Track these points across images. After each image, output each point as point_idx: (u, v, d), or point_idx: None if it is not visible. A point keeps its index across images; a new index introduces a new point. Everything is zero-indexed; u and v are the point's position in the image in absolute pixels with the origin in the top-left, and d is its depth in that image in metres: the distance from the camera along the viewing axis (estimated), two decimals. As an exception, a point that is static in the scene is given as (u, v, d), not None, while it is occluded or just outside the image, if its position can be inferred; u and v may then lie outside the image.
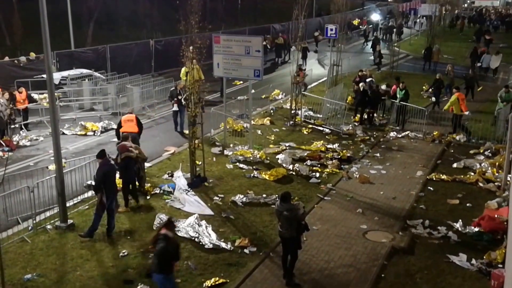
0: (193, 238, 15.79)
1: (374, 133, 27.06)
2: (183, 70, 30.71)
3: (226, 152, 23.30)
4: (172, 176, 20.33)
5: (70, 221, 16.55)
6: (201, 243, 15.58)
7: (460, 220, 17.35)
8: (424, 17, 68.22)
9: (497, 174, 21.18)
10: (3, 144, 23.61)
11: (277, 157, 22.80)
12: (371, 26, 68.07)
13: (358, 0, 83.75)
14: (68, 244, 15.55)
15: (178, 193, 18.74)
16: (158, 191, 19.18)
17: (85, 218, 17.07)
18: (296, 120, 28.46)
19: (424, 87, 36.23)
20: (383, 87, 31.02)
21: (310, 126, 27.97)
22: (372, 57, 49.12)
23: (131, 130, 20.75)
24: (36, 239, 15.74)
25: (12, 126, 25.34)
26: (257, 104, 31.53)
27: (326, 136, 26.40)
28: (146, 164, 20.66)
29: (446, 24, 72.97)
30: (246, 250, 15.42)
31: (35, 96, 29.11)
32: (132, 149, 17.93)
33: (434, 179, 21.15)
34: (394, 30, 62.54)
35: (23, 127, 26.18)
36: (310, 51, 49.17)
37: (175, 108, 26.05)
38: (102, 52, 39.15)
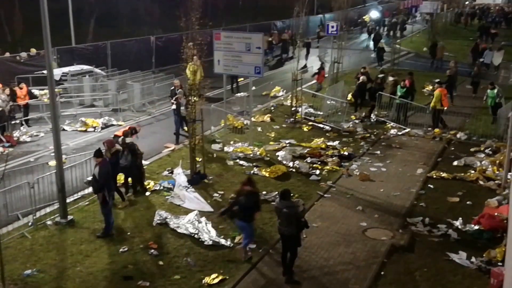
0: (192, 235, 15.79)
1: (375, 130, 27.04)
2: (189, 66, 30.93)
3: (226, 149, 23.30)
4: (172, 172, 20.34)
5: (70, 217, 16.57)
6: (200, 240, 15.59)
7: (460, 218, 17.35)
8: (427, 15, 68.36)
9: (497, 172, 21.17)
10: (4, 139, 23.63)
11: (277, 154, 22.81)
12: (372, 22, 68.08)
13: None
14: (68, 240, 15.57)
15: (178, 189, 18.75)
16: (158, 188, 19.18)
17: (85, 214, 17.09)
18: (297, 117, 28.44)
19: (425, 85, 36.15)
20: (380, 75, 31.70)
21: (311, 123, 27.96)
22: (373, 55, 49.20)
23: None
24: (36, 234, 15.76)
25: (13, 122, 25.35)
26: (258, 101, 31.52)
27: (327, 134, 26.38)
28: (146, 161, 20.72)
29: (451, 21, 73.36)
30: (246, 247, 15.44)
31: (35, 92, 29.12)
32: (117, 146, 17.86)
33: (434, 177, 21.14)
34: (398, 26, 62.79)
35: (23, 123, 26.19)
36: (311, 47, 49.28)
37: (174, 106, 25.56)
38: (103, 49, 39.16)
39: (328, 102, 30.02)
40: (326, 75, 35.30)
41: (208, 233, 15.89)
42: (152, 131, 26.30)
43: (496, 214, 17.12)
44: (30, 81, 30.62)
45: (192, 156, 20.12)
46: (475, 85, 35.06)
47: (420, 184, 20.45)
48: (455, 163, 22.61)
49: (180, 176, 19.67)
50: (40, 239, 15.54)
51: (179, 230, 16.06)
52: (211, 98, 30.73)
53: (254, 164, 21.73)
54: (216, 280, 13.75)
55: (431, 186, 20.34)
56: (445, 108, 27.16)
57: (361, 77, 30.41)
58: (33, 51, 35.16)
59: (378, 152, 23.84)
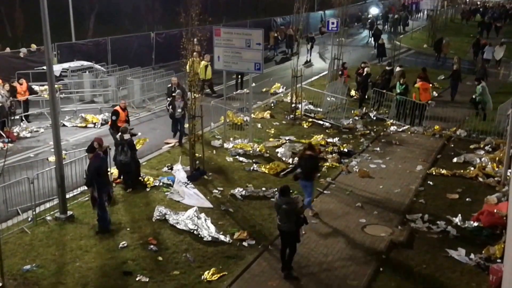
0: (192, 231, 15.81)
1: (375, 127, 27.03)
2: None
3: (226, 145, 23.30)
4: (171, 169, 20.35)
5: (69, 213, 16.59)
6: (200, 236, 15.61)
7: (460, 215, 17.34)
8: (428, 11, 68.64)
9: (497, 169, 21.17)
10: (4, 135, 23.65)
11: (276, 150, 22.82)
12: (371, 16, 68.28)
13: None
14: (68, 236, 15.59)
15: (177, 185, 18.77)
16: (157, 184, 19.19)
17: (84, 209, 17.11)
18: (296, 114, 28.43)
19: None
20: (387, 68, 32.42)
21: (310, 120, 27.96)
22: (373, 51, 49.26)
23: None
24: (36, 230, 15.79)
25: (13, 118, 25.36)
26: (258, 97, 31.51)
27: (326, 130, 26.39)
28: (146, 157, 20.81)
29: (452, 18, 73.54)
30: (244, 243, 15.45)
31: (35, 87, 29.15)
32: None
33: (434, 173, 21.14)
34: (400, 22, 63.05)
35: (23, 118, 26.21)
36: (315, 41, 49.52)
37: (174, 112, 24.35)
38: (103, 45, 39.16)
39: (328, 98, 30.01)
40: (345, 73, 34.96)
41: (208, 229, 15.91)
42: (151, 127, 26.33)
43: (495, 211, 17.13)
44: (30, 77, 30.63)
45: (191, 153, 20.13)
46: (479, 82, 35.05)
47: (419, 180, 20.45)
48: (455, 160, 22.62)
49: (180, 172, 19.70)
50: (39, 234, 15.56)
51: (178, 226, 16.08)
52: (210, 94, 30.94)
53: (253, 160, 21.74)
54: (215, 276, 13.77)
55: (431, 182, 20.34)
56: (424, 102, 27.16)
57: (366, 69, 30.56)
58: (34, 46, 35.17)
59: (378, 149, 23.85)
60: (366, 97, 30.83)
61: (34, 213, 16.30)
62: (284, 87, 34.12)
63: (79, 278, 13.55)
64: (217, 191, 18.92)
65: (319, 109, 29.75)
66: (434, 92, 32.79)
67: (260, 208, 17.68)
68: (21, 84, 26.73)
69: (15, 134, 24.33)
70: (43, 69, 27.69)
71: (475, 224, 16.84)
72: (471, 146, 24.28)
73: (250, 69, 23.23)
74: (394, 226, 16.78)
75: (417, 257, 15.07)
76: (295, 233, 13.73)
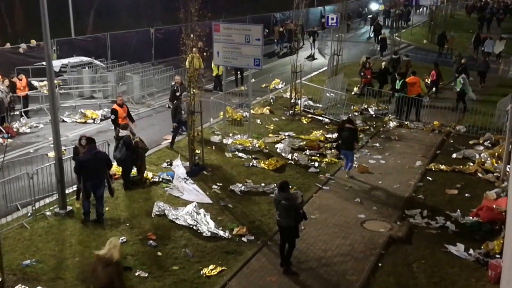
0: (191, 226, 15.84)
1: (374, 123, 27.05)
2: (190, 57, 30.87)
3: (225, 141, 23.29)
4: (171, 164, 20.35)
5: (69, 208, 16.59)
6: (199, 231, 15.63)
7: (459, 210, 17.39)
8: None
9: (496, 164, 21.21)
10: (3, 130, 23.65)
11: (276, 146, 22.83)
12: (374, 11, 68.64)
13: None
14: (67, 231, 15.61)
15: (177, 181, 18.78)
16: (157, 179, 19.19)
17: (84, 205, 17.12)
18: (296, 109, 28.43)
19: (425, 77, 36.21)
20: (394, 56, 34.09)
21: (310, 115, 27.97)
22: (372, 47, 49.33)
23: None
24: (35, 225, 15.79)
25: (12, 113, 25.36)
26: (257, 93, 31.50)
27: (326, 126, 26.39)
28: (146, 153, 20.79)
29: (453, 13, 73.73)
30: (244, 239, 15.48)
31: (35, 83, 29.12)
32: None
33: (433, 169, 21.18)
34: (403, 17, 63.42)
35: (23, 114, 26.21)
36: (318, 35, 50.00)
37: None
38: (102, 40, 39.12)
39: (328, 94, 30.01)
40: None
41: (207, 225, 15.94)
42: (151, 123, 26.33)
43: (494, 206, 17.13)
44: (29, 73, 30.63)
45: (191, 148, 20.14)
46: (482, 75, 35.39)
47: (418, 176, 20.48)
48: (454, 155, 22.65)
49: (179, 168, 19.71)
50: (39, 229, 15.57)
51: (177, 222, 16.10)
52: (210, 89, 30.91)
53: (253, 156, 21.74)
54: (214, 271, 13.81)
55: (430, 178, 20.37)
56: (414, 96, 27.29)
57: (383, 63, 32.11)
58: (33, 42, 35.15)
59: (377, 144, 23.87)
60: (363, 92, 30.84)
61: (33, 208, 16.29)
62: (284, 83, 34.12)
63: (78, 273, 13.57)
64: (216, 186, 18.93)
65: (318, 104, 29.75)
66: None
67: (259, 203, 17.71)
68: (20, 80, 26.73)
69: (15, 129, 24.32)
70: (42, 64, 27.64)
71: (474, 219, 16.88)
72: (471, 142, 24.32)
73: (249, 64, 23.21)
74: (393, 221, 16.82)
75: (416, 252, 15.10)
76: (294, 229, 13.76)
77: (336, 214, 17.18)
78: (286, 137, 24.19)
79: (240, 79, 33.23)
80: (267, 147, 22.68)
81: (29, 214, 16.32)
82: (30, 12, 45.84)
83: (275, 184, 17.83)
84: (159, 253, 14.60)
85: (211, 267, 13.94)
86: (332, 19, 37.50)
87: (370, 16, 64.77)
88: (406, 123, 26.88)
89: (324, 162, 21.47)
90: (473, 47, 47.50)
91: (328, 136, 24.39)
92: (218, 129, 24.95)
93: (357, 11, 73.18)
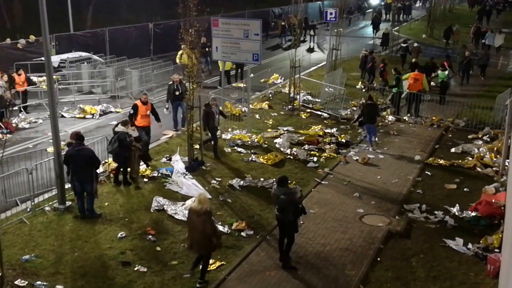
0: (190, 221, 15.85)
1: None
2: (179, 53, 30.94)
3: (224, 136, 23.29)
4: (170, 159, 20.37)
5: (68, 203, 16.60)
6: (198, 226, 15.64)
7: (457, 205, 17.42)
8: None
9: (495, 159, 21.24)
10: (2, 126, 23.65)
11: (275, 141, 22.86)
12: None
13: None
14: (66, 226, 15.63)
15: (176, 176, 18.79)
16: (156, 175, 19.21)
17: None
18: (295, 104, 28.44)
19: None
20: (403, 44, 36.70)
21: (309, 110, 27.98)
22: (371, 41, 49.37)
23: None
24: (35, 220, 15.80)
25: (12, 109, 25.35)
26: (256, 88, 31.48)
27: (324, 121, 26.42)
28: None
29: (451, 8, 73.87)
30: (243, 233, 15.51)
31: (34, 78, 29.13)
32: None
33: (432, 163, 21.21)
34: (402, 11, 63.69)
35: (22, 109, 26.19)
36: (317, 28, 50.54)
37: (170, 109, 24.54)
38: (101, 35, 39.07)
39: (326, 89, 30.02)
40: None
41: (206, 220, 15.93)
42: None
43: (493, 201, 17.16)
44: (28, 68, 30.60)
45: (189, 143, 20.14)
46: (483, 67, 36.00)
47: (417, 171, 20.51)
48: (453, 150, 22.68)
49: (178, 163, 19.72)
50: (38, 224, 15.58)
51: (176, 217, 16.13)
52: (209, 85, 30.91)
53: (252, 151, 21.76)
54: (213, 266, 13.81)
55: (429, 173, 20.40)
56: (415, 92, 27.37)
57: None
58: (32, 38, 35.09)
59: (376, 139, 23.84)
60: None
61: (32, 203, 16.31)
62: (283, 78, 34.12)
63: (77, 268, 13.59)
64: (215, 181, 18.94)
65: (317, 99, 29.77)
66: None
67: (258, 198, 17.72)
68: (19, 75, 26.71)
69: (14, 125, 24.32)
70: (41, 60, 27.71)
71: (473, 214, 16.92)
72: (469, 136, 24.36)
73: (248, 59, 23.23)
74: (392, 216, 16.84)
75: (415, 247, 15.13)
76: (293, 223, 13.77)
77: (335, 209, 17.21)
78: (285, 132, 24.21)
79: (240, 74, 33.24)
80: (266, 142, 22.69)
81: (28, 209, 16.33)
82: (28, 7, 45.77)
83: (274, 179, 17.83)
84: (158, 248, 14.62)
85: (210, 262, 13.95)
86: (331, 13, 37.44)
87: (370, 10, 64.84)
88: (405, 118, 26.89)
89: (323, 157, 21.49)
90: (473, 41, 47.72)
91: (327, 131, 24.41)
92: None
93: (356, 6, 73.23)
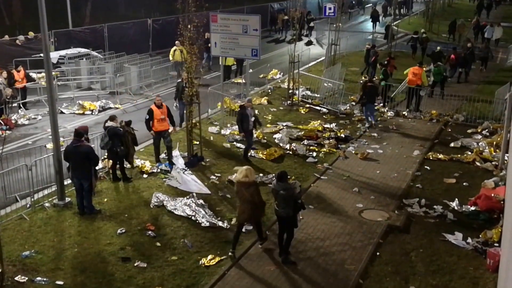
0: (189, 217, 15.88)
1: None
2: (172, 50, 30.97)
3: (223, 131, 23.31)
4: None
5: (68, 199, 16.62)
6: (197, 222, 15.67)
7: (457, 199, 17.44)
8: None
9: (494, 153, 21.24)
10: (2, 122, 23.63)
11: (274, 136, 22.86)
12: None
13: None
14: (66, 222, 15.64)
15: (175, 172, 18.79)
16: (155, 170, 19.22)
17: (82, 196, 17.13)
18: (294, 99, 28.44)
19: (424, 67, 36.35)
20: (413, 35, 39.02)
21: (308, 105, 27.98)
22: (370, 36, 49.35)
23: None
24: (34, 216, 15.82)
25: (11, 105, 25.34)
26: (255, 83, 31.47)
27: (324, 116, 26.43)
28: (143, 144, 20.84)
29: (450, 3, 74.09)
30: (242, 229, 15.49)
31: (33, 75, 29.08)
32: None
33: (431, 158, 21.22)
34: (403, 5, 64.03)
35: (21, 106, 26.17)
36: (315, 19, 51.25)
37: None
38: (100, 31, 39.01)
39: (325, 84, 30.02)
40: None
41: (205, 215, 15.97)
42: (149, 114, 26.29)
43: (492, 195, 17.20)
44: (27, 64, 30.57)
45: (189, 139, 20.14)
46: (483, 60, 36.81)
47: (416, 165, 20.52)
48: (452, 144, 22.68)
49: (178, 158, 19.75)
50: (38, 221, 15.60)
51: (176, 212, 16.14)
52: (208, 80, 30.85)
53: (251, 146, 21.78)
54: (213, 261, 13.86)
55: (428, 167, 20.41)
56: (413, 86, 27.39)
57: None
58: (31, 34, 35.05)
59: (375, 134, 23.89)
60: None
61: (32, 199, 16.34)
62: (281, 73, 34.10)
63: (77, 264, 13.61)
64: (214, 177, 18.96)
65: (316, 95, 29.75)
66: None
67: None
68: (18, 72, 26.68)
69: (13, 121, 24.31)
70: (40, 56, 27.70)
71: (472, 208, 16.93)
72: (469, 131, 24.37)
73: (247, 55, 23.20)
74: (391, 210, 16.86)
75: (414, 241, 15.15)
76: (292, 218, 13.79)
77: (334, 204, 17.23)
78: (284, 127, 24.23)
79: (239, 70, 33.23)
80: (265, 138, 22.70)
81: (28, 205, 16.36)
82: (27, 4, 45.68)
83: (274, 174, 17.85)
84: (158, 244, 14.64)
85: (209, 257, 13.99)
86: (330, 8, 37.40)
87: (370, 5, 64.91)
88: (404, 113, 26.91)
89: (322, 152, 21.50)
90: (473, 34, 47.98)
91: (326, 126, 24.43)
92: (216, 119, 24.95)
93: (357, 0, 73.28)
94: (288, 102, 28.30)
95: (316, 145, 22.21)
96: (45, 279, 12.90)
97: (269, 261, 14.02)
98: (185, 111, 23.01)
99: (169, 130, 19.97)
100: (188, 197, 16.79)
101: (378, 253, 14.50)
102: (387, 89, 28.00)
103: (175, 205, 16.43)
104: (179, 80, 24.32)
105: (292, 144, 21.87)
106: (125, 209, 16.49)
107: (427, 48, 39.38)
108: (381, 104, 27.96)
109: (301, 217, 15.02)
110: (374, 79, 30.92)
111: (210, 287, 12.92)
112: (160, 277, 13.22)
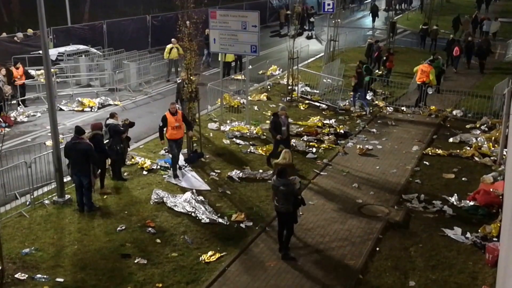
0: (189, 213, 15.91)
1: (371, 108, 27.08)
2: (167, 48, 30.99)
3: (222, 128, 23.32)
4: (169, 152, 20.34)
5: (67, 196, 16.65)
6: (197, 218, 15.70)
7: (456, 194, 17.48)
8: None
9: (493, 148, 21.27)
10: (1, 120, 23.63)
11: (274, 132, 22.86)
12: None
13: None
14: (66, 219, 15.67)
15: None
16: (155, 167, 19.23)
17: (82, 193, 17.15)
18: (293, 95, 28.45)
19: (422, 62, 36.41)
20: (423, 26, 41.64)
21: (307, 101, 28.00)
22: (370, 32, 49.34)
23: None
24: (34, 213, 15.85)
25: (10, 103, 25.33)
26: (254, 80, 31.47)
27: (323, 112, 26.44)
28: (143, 140, 20.83)
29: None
30: (242, 225, 15.56)
31: (32, 72, 29.07)
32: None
33: (430, 153, 21.23)
34: (404, 1, 64.57)
35: (20, 103, 26.15)
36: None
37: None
38: (99, 28, 38.96)
39: (325, 80, 30.03)
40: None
41: (205, 212, 15.99)
42: (148, 110, 26.32)
43: (491, 190, 17.24)
44: (26, 61, 30.57)
45: (188, 135, 20.14)
46: (481, 53, 36.62)
47: (415, 161, 20.56)
48: (451, 140, 22.72)
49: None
50: (38, 218, 15.63)
51: (176, 209, 16.16)
52: (208, 77, 30.83)
53: (250, 142, 21.80)
54: (213, 258, 13.89)
55: (427, 163, 20.44)
56: (419, 83, 27.49)
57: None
58: (30, 31, 35.01)
59: (374, 130, 23.92)
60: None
61: (32, 197, 16.36)
62: (281, 69, 34.10)
63: (77, 261, 13.64)
64: (214, 173, 18.98)
65: (315, 91, 29.76)
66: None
67: (257, 190, 17.77)
68: (17, 69, 26.65)
69: (12, 118, 24.29)
70: (39, 53, 27.67)
71: (471, 203, 16.98)
72: (467, 126, 24.41)
73: (246, 51, 23.17)
74: (391, 206, 16.90)
75: (413, 236, 15.20)
76: (292, 214, 13.84)
77: (334, 200, 17.26)
78: (284, 123, 24.20)
79: (239, 66, 33.23)
80: (265, 134, 22.71)
81: (27, 202, 16.38)
82: (26, 0, 45.63)
83: (273, 171, 17.87)
84: (158, 240, 14.67)
85: (210, 253, 14.02)
86: (329, 4, 37.36)
87: (369, 0, 64.96)
88: (403, 108, 26.94)
89: (322, 148, 21.52)
90: (472, 28, 48.08)
91: (325, 122, 24.45)
92: (216, 116, 24.97)
93: None
94: (288, 98, 28.30)
95: (315, 141, 22.23)
96: (45, 276, 12.93)
97: (269, 257, 14.06)
98: (184, 107, 23.09)
99: (189, 135, 19.50)
100: (188, 193, 16.81)
101: (377, 249, 14.55)
102: (369, 84, 28.36)
103: (175, 201, 16.45)
104: (179, 81, 24.18)
105: (292, 140, 21.85)
106: (125, 206, 16.52)
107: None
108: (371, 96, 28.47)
109: (301, 213, 15.08)
110: (377, 72, 31.20)
111: (211, 283, 12.96)
112: (161, 273, 13.26)
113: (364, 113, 25.92)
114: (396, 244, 14.80)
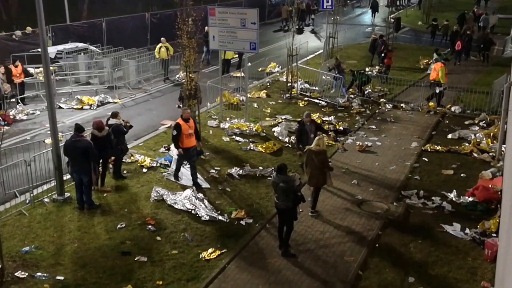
0: (189, 211, 15.92)
1: (370, 105, 27.10)
2: (157, 47, 31.02)
3: (222, 125, 23.34)
4: (168, 149, 20.38)
5: (67, 194, 16.65)
6: (197, 215, 15.71)
7: (455, 190, 17.49)
8: None
9: (491, 144, 21.31)
10: (0, 118, 23.62)
11: (273, 129, 22.90)
12: None
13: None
14: (66, 217, 15.68)
15: (174, 166, 18.81)
16: (154, 164, 19.25)
17: (82, 191, 17.16)
18: (292, 93, 28.47)
19: (420, 60, 36.46)
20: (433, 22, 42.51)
21: (306, 98, 28.00)
22: (369, 29, 49.33)
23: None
24: (34, 212, 15.86)
25: (9, 101, 25.33)
26: (254, 77, 31.48)
27: (322, 109, 26.45)
28: (143, 138, 20.83)
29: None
30: (242, 222, 15.57)
31: (31, 70, 29.08)
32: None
33: (429, 150, 21.26)
34: None
35: (19, 101, 26.15)
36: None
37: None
38: (98, 26, 38.99)
39: (324, 77, 30.04)
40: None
41: (205, 209, 16.01)
42: (148, 108, 26.33)
43: (490, 186, 17.26)
44: (25, 59, 30.58)
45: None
46: (480, 47, 37.67)
47: (414, 157, 20.58)
48: (450, 136, 22.75)
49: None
50: (37, 216, 15.64)
51: (176, 206, 16.18)
52: (207, 74, 30.83)
53: (250, 140, 21.81)
54: (213, 255, 13.90)
55: (426, 159, 20.46)
56: (431, 80, 27.65)
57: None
58: (29, 29, 35.02)
59: (373, 126, 23.94)
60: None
61: (31, 195, 16.36)
62: (280, 66, 34.11)
63: (77, 259, 13.65)
64: (214, 170, 18.99)
65: (314, 87, 29.76)
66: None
67: (257, 187, 17.79)
68: (16, 67, 26.65)
69: (11, 116, 24.31)
70: (38, 51, 27.65)
71: (470, 199, 17.00)
72: (466, 122, 24.42)
73: (245, 48, 23.15)
74: (390, 202, 16.92)
75: (413, 232, 15.21)
76: (292, 211, 13.84)
77: (333, 196, 17.28)
78: (283, 120, 24.25)
79: (238, 64, 33.23)
80: (264, 131, 22.74)
81: (27, 201, 16.39)
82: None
83: (273, 168, 17.90)
84: (158, 238, 14.69)
85: (210, 250, 14.04)
86: (328, 1, 37.34)
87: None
88: (402, 105, 26.96)
89: (321, 145, 21.53)
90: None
91: (325, 119, 24.47)
92: (215, 113, 24.99)
93: None
94: (287, 95, 28.32)
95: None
96: (45, 275, 12.95)
97: (269, 254, 14.08)
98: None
99: (198, 145, 18.36)
100: (187, 191, 16.83)
101: (377, 245, 14.58)
102: (352, 84, 29.13)
103: (175, 199, 16.47)
104: (183, 80, 23.99)
105: (291, 137, 21.88)
106: (125, 203, 16.54)
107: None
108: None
109: (300, 210, 15.06)
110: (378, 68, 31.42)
111: (211, 280, 12.97)
112: (161, 271, 13.27)
113: (363, 109, 25.87)
114: (395, 240, 14.82)
